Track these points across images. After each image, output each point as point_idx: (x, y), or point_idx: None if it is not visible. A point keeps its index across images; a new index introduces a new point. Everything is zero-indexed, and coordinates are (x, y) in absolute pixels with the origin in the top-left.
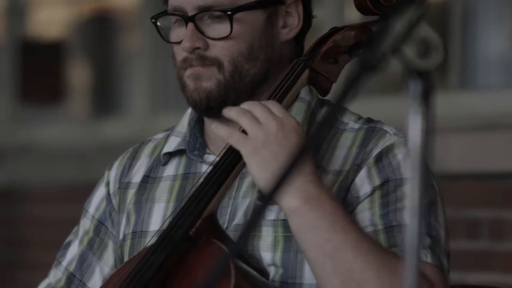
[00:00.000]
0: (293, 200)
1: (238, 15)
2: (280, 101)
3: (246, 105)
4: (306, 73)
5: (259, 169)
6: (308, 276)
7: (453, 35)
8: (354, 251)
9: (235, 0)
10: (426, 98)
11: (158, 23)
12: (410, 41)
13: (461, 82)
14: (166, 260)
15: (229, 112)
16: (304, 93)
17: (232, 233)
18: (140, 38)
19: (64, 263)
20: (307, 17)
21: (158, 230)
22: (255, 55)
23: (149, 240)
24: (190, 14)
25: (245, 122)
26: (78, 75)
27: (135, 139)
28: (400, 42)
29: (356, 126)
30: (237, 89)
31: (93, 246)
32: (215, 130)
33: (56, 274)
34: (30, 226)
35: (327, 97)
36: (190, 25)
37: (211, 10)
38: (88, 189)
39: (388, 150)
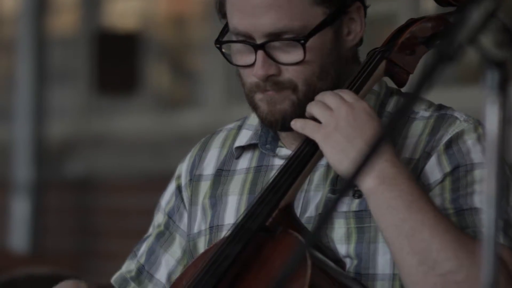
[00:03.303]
0: (369, 180)
1: (310, 41)
2: (356, 92)
3: (318, 96)
4: (383, 64)
5: (334, 152)
6: (381, 266)
7: None
8: (431, 231)
9: (305, 23)
10: (503, 88)
11: (223, 50)
12: (487, 31)
13: None
14: (243, 251)
15: (296, 122)
16: None
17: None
18: (215, 28)
19: (138, 254)
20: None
21: (233, 223)
22: (327, 71)
23: (225, 232)
24: (258, 41)
25: (316, 112)
26: (153, 65)
27: (210, 130)
28: (477, 32)
29: (427, 114)
30: None
31: (161, 239)
32: (292, 126)
33: (129, 265)
34: (105, 216)
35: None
36: (261, 52)
37: (281, 38)
38: (163, 179)
39: (458, 136)
